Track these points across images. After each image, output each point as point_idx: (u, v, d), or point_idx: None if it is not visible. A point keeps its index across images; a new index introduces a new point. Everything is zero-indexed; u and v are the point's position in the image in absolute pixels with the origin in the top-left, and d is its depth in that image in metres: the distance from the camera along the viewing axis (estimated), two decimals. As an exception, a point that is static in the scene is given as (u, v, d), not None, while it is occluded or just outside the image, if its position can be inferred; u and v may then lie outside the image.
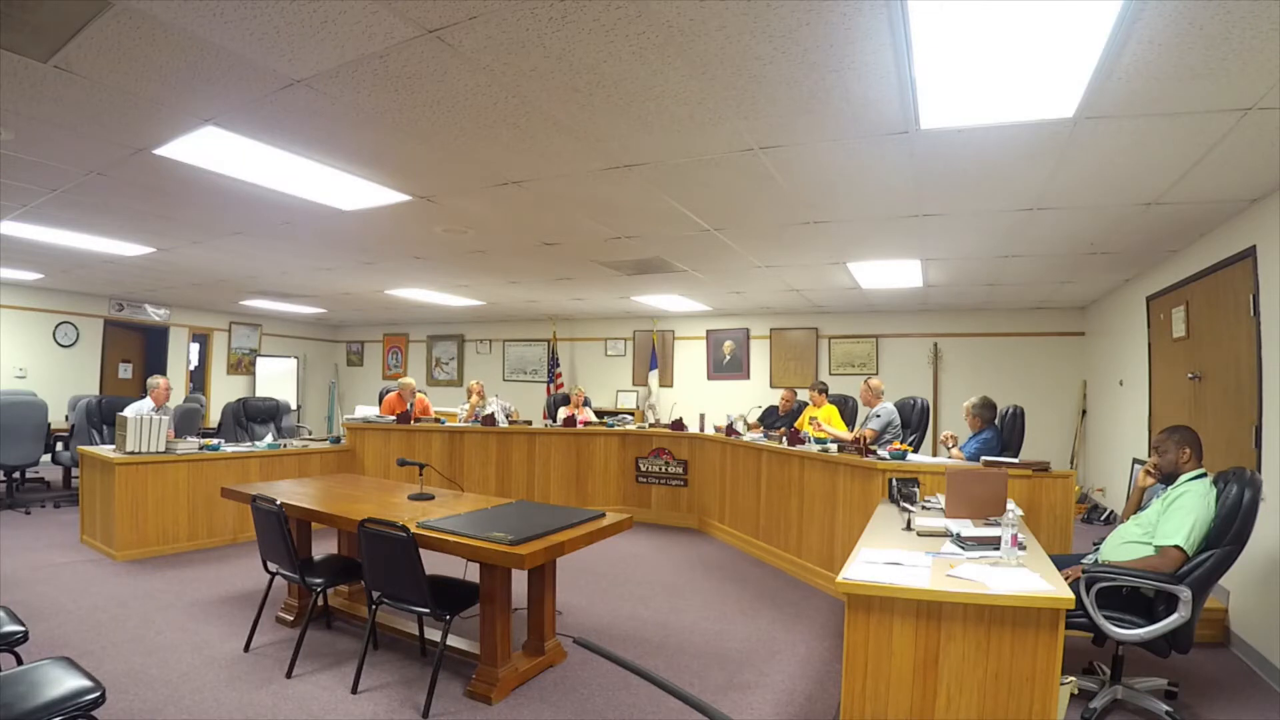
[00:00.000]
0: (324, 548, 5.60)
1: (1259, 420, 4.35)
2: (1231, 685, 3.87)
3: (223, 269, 7.92)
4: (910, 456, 5.39)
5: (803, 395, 8.81)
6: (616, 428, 8.26)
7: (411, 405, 8.46)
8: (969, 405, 5.74)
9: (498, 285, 8.73)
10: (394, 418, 8.12)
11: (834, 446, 5.90)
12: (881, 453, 5.50)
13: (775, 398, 10.33)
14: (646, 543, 6.93)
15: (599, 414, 10.57)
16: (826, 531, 5.60)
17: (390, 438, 7.88)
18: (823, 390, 7.51)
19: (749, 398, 10.84)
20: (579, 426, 8.29)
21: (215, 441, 6.76)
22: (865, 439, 5.79)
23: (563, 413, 8.93)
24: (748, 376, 11.20)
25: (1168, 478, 3.64)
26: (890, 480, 4.50)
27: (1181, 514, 3.40)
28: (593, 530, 3.70)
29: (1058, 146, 3.72)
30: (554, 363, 12.10)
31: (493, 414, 8.14)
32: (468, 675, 3.76)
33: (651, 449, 7.95)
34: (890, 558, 3.03)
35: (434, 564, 3.94)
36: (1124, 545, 3.60)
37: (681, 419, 8.21)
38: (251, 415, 8.14)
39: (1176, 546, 3.34)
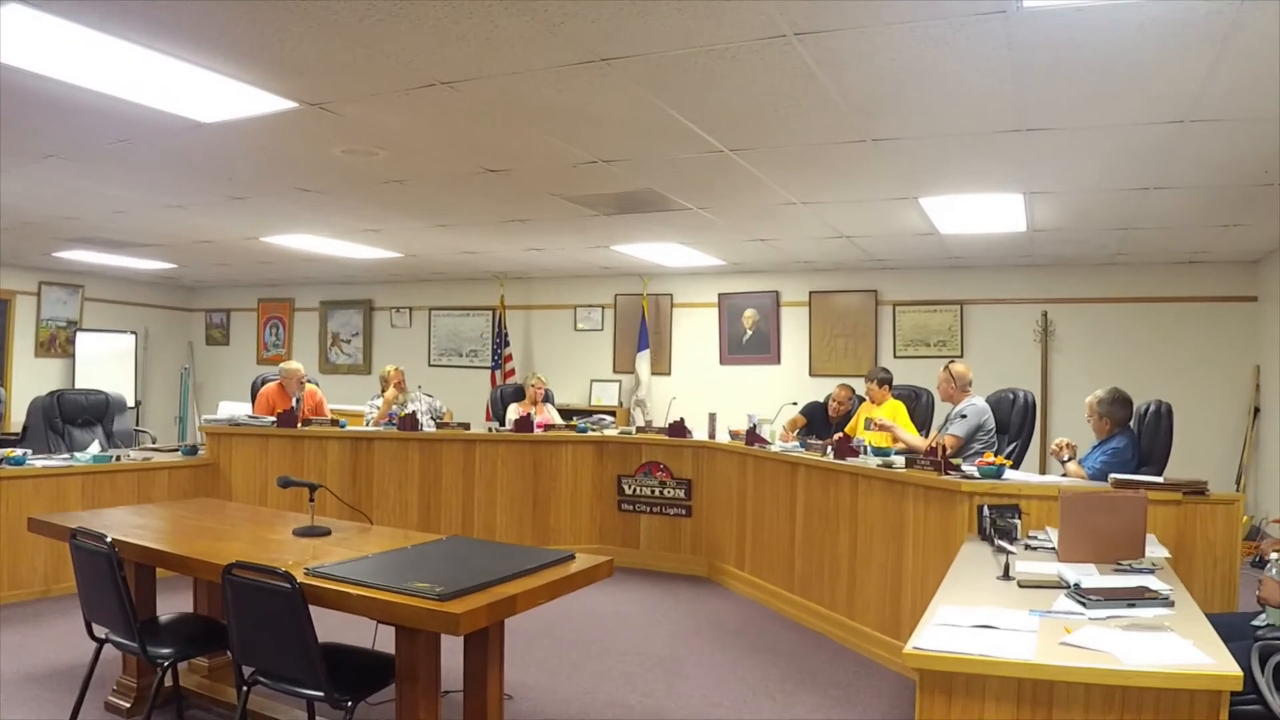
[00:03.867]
0: (174, 604, 5.44)
1: None
2: None
3: (29, 206, 7.88)
4: (1009, 474, 5.44)
5: (858, 387, 8.71)
6: (591, 433, 8.28)
7: (299, 401, 8.38)
8: (1093, 401, 5.81)
9: (421, 230, 8.75)
10: (273, 419, 8.12)
11: (900, 460, 5.93)
12: (968, 468, 5.53)
13: (815, 390, 10.20)
14: (634, 596, 6.98)
15: (566, 413, 10.45)
16: (890, 580, 5.65)
17: (268, 447, 8.02)
18: (884, 380, 7.57)
19: (779, 391, 10.66)
20: (538, 431, 8.31)
21: (18, 453, 6.76)
22: (945, 449, 5.82)
23: (514, 411, 8.86)
24: (777, 360, 11.22)
25: None
26: (981, 508, 4.50)
27: None
28: (557, 579, 3.73)
29: (1220, 30, 3.69)
30: (501, 340, 12.11)
31: (414, 414, 8.16)
32: (380, 785, 3.79)
33: (641, 463, 8.01)
34: (981, 618, 3.05)
35: (330, 627, 3.96)
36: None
37: (683, 421, 8.24)
38: (70, 415, 8.16)
39: None
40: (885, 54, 4.03)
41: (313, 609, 3.47)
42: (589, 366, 12.31)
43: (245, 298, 14.69)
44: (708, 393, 11.25)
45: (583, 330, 12.38)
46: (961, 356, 10.22)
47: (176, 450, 8.13)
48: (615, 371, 12.17)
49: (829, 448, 6.53)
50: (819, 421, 8.24)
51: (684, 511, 7.91)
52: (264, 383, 9.13)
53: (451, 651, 4.02)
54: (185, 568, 4.01)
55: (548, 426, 8.57)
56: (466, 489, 8.06)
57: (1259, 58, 3.95)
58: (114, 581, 3.92)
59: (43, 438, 7.94)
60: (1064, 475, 5.66)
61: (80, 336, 13.25)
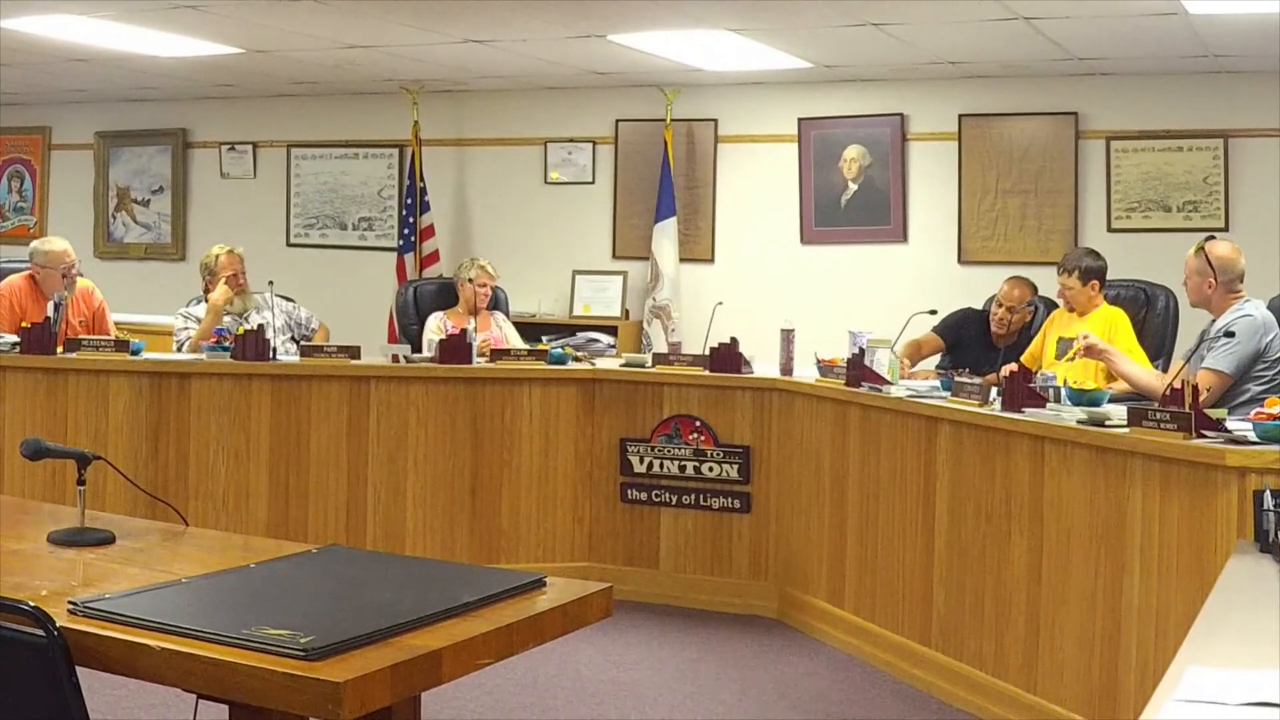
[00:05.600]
0: None
1: None
2: None
3: None
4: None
5: (1044, 284, 8.47)
6: (575, 364, 7.81)
7: (60, 305, 7.91)
8: None
9: (274, 4, 8.02)
10: (15, 339, 7.58)
11: (1119, 411, 5.44)
12: (1236, 423, 5.15)
13: (969, 289, 9.42)
14: (650, 653, 6.60)
15: (529, 331, 9.90)
16: (1101, 624, 5.24)
17: (6, 388, 7.57)
18: (1092, 273, 7.07)
19: (905, 290, 9.80)
20: (479, 362, 7.76)
21: None
22: (1198, 391, 5.51)
23: (437, 327, 8.39)
24: (901, 236, 10.33)
25: None
26: (1260, 495, 4.17)
27: None
28: (514, 623, 3.15)
29: None
30: (415, 202, 11.44)
31: (261, 330, 7.56)
32: None
33: (663, 419, 7.45)
34: (1259, 689, 2.37)
35: (114, 705, 4.41)
36: None
37: (736, 343, 7.52)
38: None
39: None
40: None
41: (86, 674, 2.78)
42: (571, 249, 10.87)
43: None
44: (779, 294, 9.93)
45: (560, 184, 10.99)
46: (1226, 231, 9.24)
47: None
48: (616, 257, 11.02)
49: (993, 390, 6.03)
50: (973, 344, 7.69)
51: (737, 504, 7.17)
52: (2, 275, 8.46)
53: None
54: None
55: (498, 353, 7.75)
56: (354, 463, 7.34)
57: None
58: None
59: None
60: None
61: None
